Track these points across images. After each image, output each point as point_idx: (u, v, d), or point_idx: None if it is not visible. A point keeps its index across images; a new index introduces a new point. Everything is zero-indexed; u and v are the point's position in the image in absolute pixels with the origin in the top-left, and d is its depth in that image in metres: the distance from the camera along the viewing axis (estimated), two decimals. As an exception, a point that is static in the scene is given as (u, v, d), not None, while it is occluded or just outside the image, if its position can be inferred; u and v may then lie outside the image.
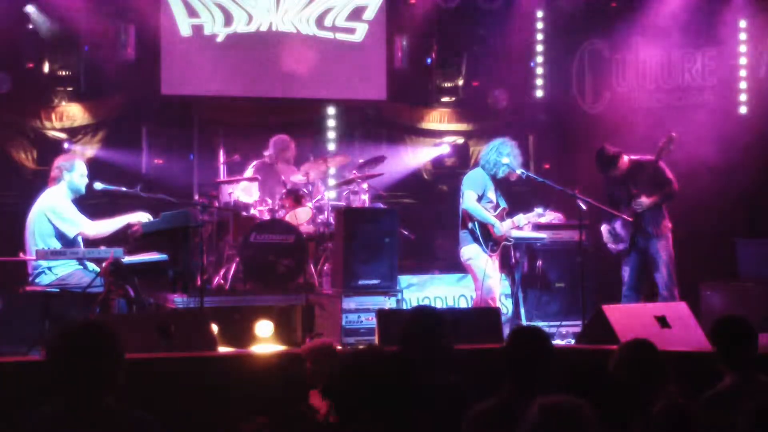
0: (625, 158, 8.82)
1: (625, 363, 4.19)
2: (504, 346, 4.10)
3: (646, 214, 8.68)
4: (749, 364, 4.53)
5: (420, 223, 10.95)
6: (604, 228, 8.88)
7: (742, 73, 10.75)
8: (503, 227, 8.29)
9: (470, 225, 8.32)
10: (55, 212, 7.61)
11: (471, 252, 8.34)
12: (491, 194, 8.38)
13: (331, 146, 11.68)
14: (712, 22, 10.72)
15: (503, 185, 8.56)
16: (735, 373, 4.48)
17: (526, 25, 11.65)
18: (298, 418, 4.68)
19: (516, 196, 11.34)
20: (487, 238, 8.28)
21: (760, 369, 4.57)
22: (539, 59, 11.93)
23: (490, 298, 8.23)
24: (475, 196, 8.30)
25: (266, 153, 10.26)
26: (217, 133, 11.36)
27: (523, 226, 8.59)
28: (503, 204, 8.46)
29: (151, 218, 7.86)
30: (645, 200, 8.65)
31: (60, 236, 7.59)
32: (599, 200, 8.76)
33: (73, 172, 7.77)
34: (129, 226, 7.76)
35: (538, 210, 8.56)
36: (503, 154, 8.33)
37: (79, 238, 7.71)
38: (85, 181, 7.85)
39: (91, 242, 7.80)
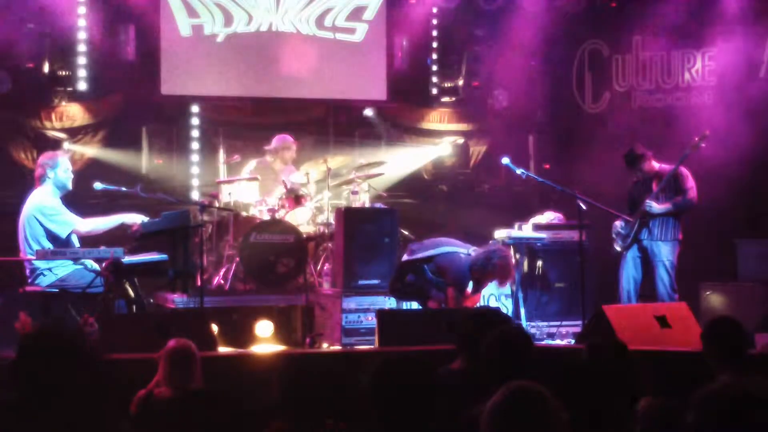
0: (655, 164, 8.81)
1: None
2: (483, 345, 4.09)
3: (657, 216, 8.66)
4: (744, 364, 4.55)
5: (420, 223, 10.95)
6: (617, 223, 8.86)
7: (742, 73, 10.72)
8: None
9: None
10: (44, 213, 7.53)
11: None
12: None
13: (331, 146, 11.67)
14: (712, 22, 10.71)
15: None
16: (730, 372, 4.49)
17: (526, 25, 11.64)
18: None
19: (516, 196, 11.34)
20: None
21: (759, 368, 4.59)
22: (539, 59, 11.92)
23: None
24: None
25: (267, 148, 10.26)
26: (217, 133, 11.36)
27: None
28: None
29: (145, 218, 7.84)
30: (655, 205, 8.63)
31: (52, 238, 7.52)
32: (599, 200, 8.75)
33: (57, 168, 7.65)
34: (124, 226, 7.74)
35: None
36: None
37: (73, 237, 7.65)
38: (71, 176, 7.75)
39: (92, 242, 7.78)
